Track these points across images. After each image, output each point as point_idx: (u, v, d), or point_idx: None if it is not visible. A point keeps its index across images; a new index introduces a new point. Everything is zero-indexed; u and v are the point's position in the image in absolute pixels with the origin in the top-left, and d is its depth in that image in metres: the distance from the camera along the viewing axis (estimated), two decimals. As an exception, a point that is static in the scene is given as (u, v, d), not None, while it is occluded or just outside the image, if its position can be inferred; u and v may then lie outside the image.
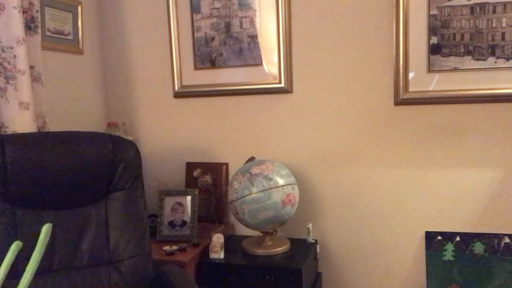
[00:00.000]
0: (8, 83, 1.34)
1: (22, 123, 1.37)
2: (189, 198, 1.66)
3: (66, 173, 1.23)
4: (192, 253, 1.49)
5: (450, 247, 1.54)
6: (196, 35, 1.77)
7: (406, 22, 1.50)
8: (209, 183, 1.76)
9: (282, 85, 1.68)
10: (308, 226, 1.62)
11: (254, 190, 1.44)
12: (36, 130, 1.42)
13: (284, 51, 1.66)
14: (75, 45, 1.78)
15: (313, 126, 1.68)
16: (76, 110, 1.79)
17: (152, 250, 1.35)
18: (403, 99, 1.54)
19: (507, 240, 1.49)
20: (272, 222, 1.47)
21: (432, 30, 1.49)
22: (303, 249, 1.56)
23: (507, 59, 1.43)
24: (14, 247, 0.64)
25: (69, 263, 1.21)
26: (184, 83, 1.81)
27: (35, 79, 1.45)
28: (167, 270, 1.27)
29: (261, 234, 1.57)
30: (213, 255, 1.50)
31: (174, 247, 1.51)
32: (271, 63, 1.69)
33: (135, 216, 1.32)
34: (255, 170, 1.48)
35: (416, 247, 1.60)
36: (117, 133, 1.77)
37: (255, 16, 1.69)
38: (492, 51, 1.44)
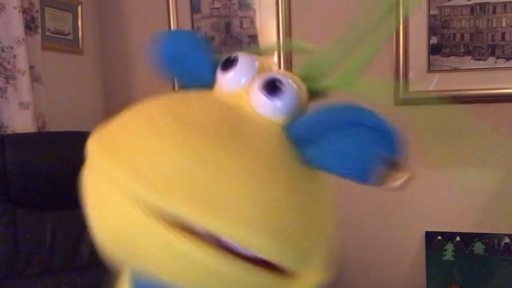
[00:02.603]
0: (8, 83, 1.34)
1: (22, 123, 1.37)
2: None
3: (66, 173, 1.23)
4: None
5: (450, 247, 1.54)
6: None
7: (406, 22, 1.50)
8: (209, 183, 1.76)
9: (282, 85, 1.68)
10: (308, 226, 1.61)
11: (254, 190, 1.44)
12: (36, 130, 1.42)
13: (284, 51, 1.66)
14: (75, 45, 1.78)
15: (313, 126, 1.68)
16: (76, 110, 1.79)
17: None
18: (403, 99, 1.54)
19: (507, 240, 1.49)
20: (272, 222, 1.47)
21: (432, 30, 1.49)
22: (303, 249, 1.56)
23: (507, 59, 1.43)
24: None
25: (69, 263, 1.21)
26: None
27: (35, 79, 1.45)
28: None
29: (261, 234, 1.56)
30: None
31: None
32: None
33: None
34: (255, 170, 1.48)
35: (416, 247, 1.60)
36: (117, 133, 1.77)
37: (255, 16, 1.69)
38: (492, 51, 1.44)
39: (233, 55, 0.43)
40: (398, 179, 0.36)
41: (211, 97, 0.42)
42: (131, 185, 0.33)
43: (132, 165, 0.33)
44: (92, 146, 0.37)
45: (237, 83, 0.41)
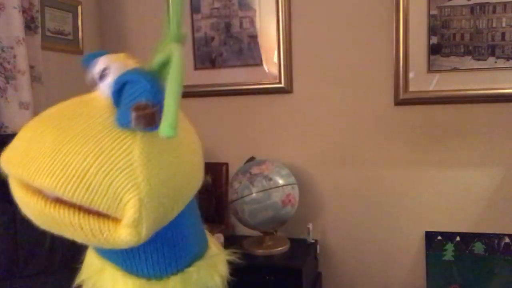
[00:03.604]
0: (8, 83, 1.34)
1: (22, 123, 1.36)
2: (189, 198, 1.66)
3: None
4: (192, 253, 1.48)
5: (450, 247, 1.54)
6: (196, 35, 1.77)
7: (406, 22, 1.50)
8: (209, 183, 1.76)
9: (282, 85, 1.68)
10: (308, 226, 1.62)
11: (254, 190, 1.44)
12: (36, 130, 1.42)
13: (284, 51, 1.66)
14: (75, 45, 1.78)
15: (313, 126, 1.68)
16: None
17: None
18: (403, 99, 1.54)
19: (507, 240, 1.49)
20: (272, 222, 1.47)
21: (432, 30, 1.49)
22: (303, 249, 1.56)
23: (507, 59, 1.43)
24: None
25: (69, 263, 1.21)
26: (184, 83, 1.81)
27: (35, 79, 1.45)
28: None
29: (261, 234, 1.57)
30: (213, 255, 1.50)
31: (174, 247, 1.51)
32: (271, 63, 1.69)
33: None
34: (255, 170, 1.48)
35: (416, 247, 1.60)
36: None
37: (255, 16, 1.69)
38: (492, 51, 1.44)
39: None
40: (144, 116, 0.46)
41: (88, 94, 0.55)
42: (11, 170, 0.48)
43: (9, 156, 0.49)
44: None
45: (96, 80, 0.53)
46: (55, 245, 1.20)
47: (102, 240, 0.47)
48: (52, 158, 0.45)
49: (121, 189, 0.45)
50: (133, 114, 0.45)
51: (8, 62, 1.34)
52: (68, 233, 0.49)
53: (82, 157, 0.45)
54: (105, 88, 0.51)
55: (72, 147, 0.46)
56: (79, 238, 0.49)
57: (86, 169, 0.45)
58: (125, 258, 0.54)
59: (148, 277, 0.55)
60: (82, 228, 0.46)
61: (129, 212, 0.45)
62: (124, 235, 0.45)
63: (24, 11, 1.41)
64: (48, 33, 1.64)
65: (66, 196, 0.45)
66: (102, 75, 0.52)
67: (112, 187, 0.45)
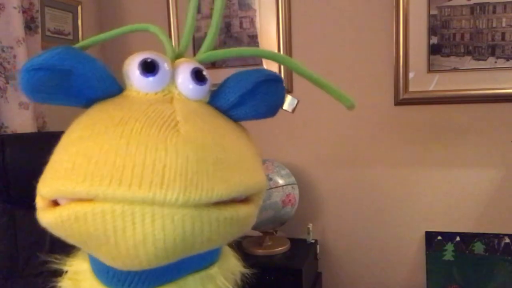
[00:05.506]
0: (8, 83, 1.34)
1: (22, 123, 1.37)
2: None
3: (66, 173, 1.22)
4: (192, 253, 1.48)
5: (450, 247, 1.54)
6: (196, 35, 1.77)
7: (406, 22, 1.50)
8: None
9: (282, 85, 1.68)
10: (308, 226, 1.62)
11: (254, 190, 1.44)
12: (36, 130, 1.42)
13: (284, 51, 1.66)
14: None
15: (313, 126, 1.68)
16: (76, 110, 1.79)
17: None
18: (403, 99, 1.54)
19: (507, 240, 1.49)
20: (272, 222, 1.47)
21: (432, 30, 1.49)
22: (303, 249, 1.56)
23: (507, 59, 1.43)
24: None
25: (69, 263, 1.21)
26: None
27: (35, 79, 1.45)
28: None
29: (261, 234, 1.57)
30: (213, 255, 1.50)
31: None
32: (271, 63, 1.69)
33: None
34: (255, 170, 1.48)
35: (416, 247, 1.60)
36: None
37: (255, 16, 1.69)
38: (492, 51, 1.44)
39: (148, 58, 0.49)
40: (292, 105, 0.56)
41: (140, 99, 0.47)
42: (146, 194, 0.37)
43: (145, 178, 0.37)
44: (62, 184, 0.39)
45: (164, 82, 0.48)
46: (55, 245, 1.20)
47: (240, 225, 0.44)
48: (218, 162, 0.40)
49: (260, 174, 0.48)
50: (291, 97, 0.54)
51: (8, 62, 1.34)
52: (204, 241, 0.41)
53: (239, 151, 0.46)
54: (204, 91, 0.51)
55: (226, 144, 0.44)
56: (213, 240, 0.42)
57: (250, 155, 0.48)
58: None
59: None
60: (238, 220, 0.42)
61: (258, 197, 0.47)
62: (249, 212, 0.44)
63: (24, 11, 1.40)
64: (48, 33, 1.63)
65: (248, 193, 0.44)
66: (201, 77, 0.50)
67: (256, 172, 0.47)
